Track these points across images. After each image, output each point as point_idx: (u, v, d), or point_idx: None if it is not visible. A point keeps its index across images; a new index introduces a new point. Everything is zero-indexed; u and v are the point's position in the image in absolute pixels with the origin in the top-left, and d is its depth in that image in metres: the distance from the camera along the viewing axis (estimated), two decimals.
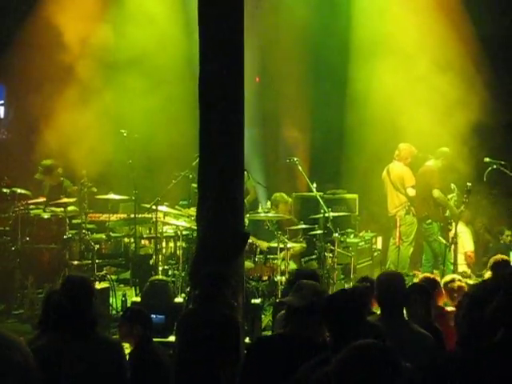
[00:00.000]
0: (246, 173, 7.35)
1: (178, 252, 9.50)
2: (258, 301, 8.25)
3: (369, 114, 12.39)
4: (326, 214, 9.75)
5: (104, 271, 9.83)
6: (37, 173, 10.75)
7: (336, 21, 12.76)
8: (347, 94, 12.80)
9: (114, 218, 10.74)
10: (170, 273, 9.31)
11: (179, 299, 8.49)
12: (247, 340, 7.17)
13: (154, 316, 7.83)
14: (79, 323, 4.26)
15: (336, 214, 10.17)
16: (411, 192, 10.77)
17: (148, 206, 10.09)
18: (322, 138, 13.39)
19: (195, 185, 7.57)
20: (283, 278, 9.04)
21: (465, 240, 11.02)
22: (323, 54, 12.80)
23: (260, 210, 10.34)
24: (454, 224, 10.52)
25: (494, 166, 9.92)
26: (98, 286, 8.86)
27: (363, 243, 10.61)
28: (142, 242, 10.25)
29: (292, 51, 12.74)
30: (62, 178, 10.85)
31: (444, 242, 10.37)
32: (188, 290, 8.02)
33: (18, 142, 12.30)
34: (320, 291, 4.47)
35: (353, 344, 2.73)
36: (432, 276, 7.18)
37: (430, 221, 10.55)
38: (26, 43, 12.03)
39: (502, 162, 9.97)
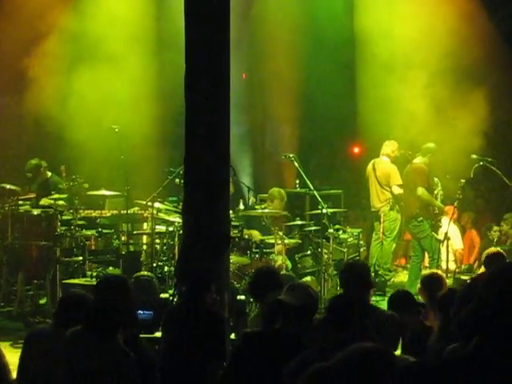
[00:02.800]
0: (231, 169, 7.41)
1: (163, 248, 9.57)
2: (243, 297, 8.28)
3: (358, 110, 12.47)
4: (324, 210, 9.84)
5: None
6: (26, 178, 10.71)
7: (325, 15, 12.74)
8: (336, 90, 12.81)
9: (95, 214, 10.73)
10: (165, 269, 9.30)
11: (165, 295, 8.53)
12: (232, 336, 7.22)
13: (141, 312, 7.90)
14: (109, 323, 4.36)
15: (332, 210, 10.31)
16: (396, 190, 10.78)
17: (139, 202, 10.16)
18: (310, 134, 13.42)
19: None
20: None
21: (454, 238, 11.07)
22: (311, 50, 12.79)
23: (257, 206, 10.42)
24: (442, 220, 10.63)
25: (481, 163, 10.01)
26: (95, 283, 8.72)
27: (352, 239, 10.69)
28: (123, 238, 10.23)
29: (280, 47, 12.72)
30: (49, 173, 10.86)
31: (438, 237, 10.43)
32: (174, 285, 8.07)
33: (3, 138, 12.25)
34: (312, 293, 4.57)
35: (355, 345, 2.81)
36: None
37: (421, 218, 10.55)
38: None
39: (489, 159, 10.06)
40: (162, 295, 8.52)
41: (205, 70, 6.85)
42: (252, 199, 11.08)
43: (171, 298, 8.07)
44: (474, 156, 10.17)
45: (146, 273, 8.95)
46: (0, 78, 11.96)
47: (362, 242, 10.84)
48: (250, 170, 12.94)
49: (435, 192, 10.72)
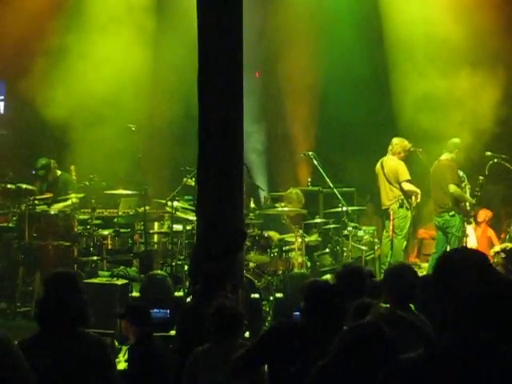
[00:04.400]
0: (245, 168, 7.43)
1: (179, 247, 9.61)
2: (257, 295, 8.32)
3: (372, 109, 12.41)
4: (344, 208, 9.92)
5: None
6: (34, 176, 10.68)
7: (348, 10, 12.67)
8: (350, 88, 12.75)
9: (107, 213, 10.77)
10: (185, 268, 9.25)
11: (179, 293, 8.57)
12: (247, 334, 7.23)
13: (157, 310, 7.95)
14: (64, 319, 4.08)
15: (352, 208, 10.44)
16: (406, 186, 10.72)
17: (158, 200, 10.19)
18: (323, 133, 13.36)
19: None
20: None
21: (469, 236, 11.03)
22: (326, 49, 12.70)
23: (278, 204, 10.47)
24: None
25: (495, 160, 9.96)
26: (118, 282, 8.55)
27: (367, 236, 10.69)
28: (135, 237, 10.25)
29: (293, 46, 12.66)
30: (59, 172, 10.86)
31: (459, 235, 10.40)
32: (188, 284, 8.11)
33: (19, 138, 12.32)
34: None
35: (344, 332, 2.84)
36: None
37: (453, 212, 10.52)
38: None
39: (503, 156, 10.02)
40: (177, 293, 8.55)
41: (218, 69, 6.88)
42: (265, 197, 11.10)
43: (185, 296, 8.13)
44: (489, 153, 10.13)
45: (159, 271, 8.98)
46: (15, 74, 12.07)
47: (376, 240, 10.82)
48: (264, 168, 12.93)
49: (462, 185, 10.66)
